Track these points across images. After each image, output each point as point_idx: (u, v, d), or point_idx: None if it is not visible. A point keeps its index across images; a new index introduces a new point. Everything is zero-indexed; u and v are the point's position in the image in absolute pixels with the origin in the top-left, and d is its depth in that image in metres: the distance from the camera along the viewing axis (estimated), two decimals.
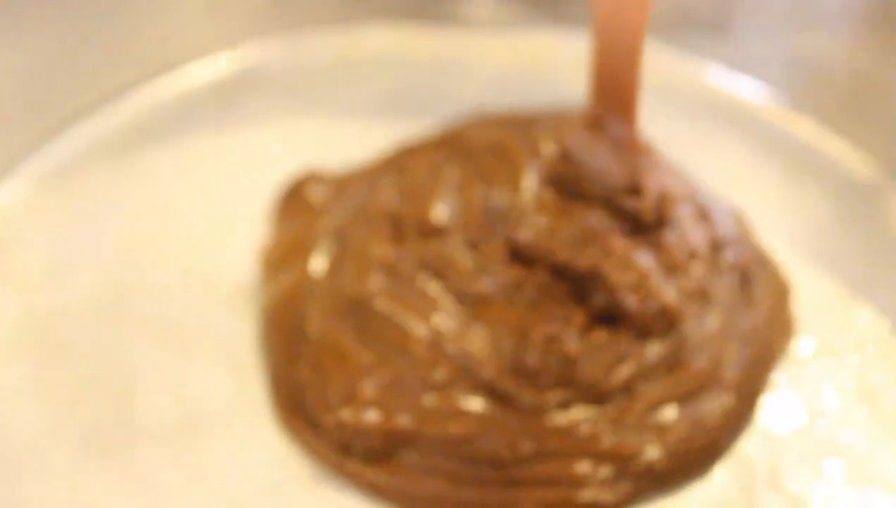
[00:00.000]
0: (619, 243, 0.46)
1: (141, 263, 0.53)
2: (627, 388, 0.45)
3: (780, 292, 0.52)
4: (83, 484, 0.44)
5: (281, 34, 0.66)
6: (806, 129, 0.61)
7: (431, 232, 0.49)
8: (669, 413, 0.45)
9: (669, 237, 0.48)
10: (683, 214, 0.50)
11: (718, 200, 0.55)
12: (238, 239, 0.53)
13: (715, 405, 0.45)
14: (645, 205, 0.47)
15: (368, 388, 0.45)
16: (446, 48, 0.66)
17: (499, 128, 0.56)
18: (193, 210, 0.55)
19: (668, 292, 0.46)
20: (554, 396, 0.44)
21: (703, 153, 0.57)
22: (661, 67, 0.64)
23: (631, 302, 0.45)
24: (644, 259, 0.47)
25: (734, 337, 0.48)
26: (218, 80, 0.64)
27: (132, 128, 0.60)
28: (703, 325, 0.47)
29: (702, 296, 0.48)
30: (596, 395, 0.45)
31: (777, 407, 0.47)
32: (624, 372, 0.45)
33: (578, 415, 0.44)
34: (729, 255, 0.51)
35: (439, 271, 0.47)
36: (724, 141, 0.60)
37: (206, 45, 0.64)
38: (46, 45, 0.58)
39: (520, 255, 0.47)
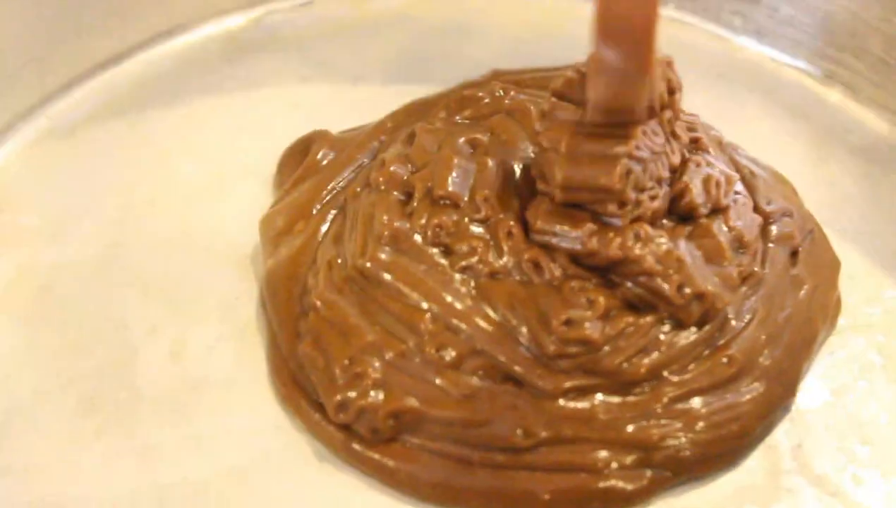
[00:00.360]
0: (651, 229, 0.44)
1: (141, 222, 0.52)
2: (655, 376, 0.43)
3: (829, 268, 0.50)
4: (79, 447, 0.43)
5: None
6: (836, 96, 0.60)
7: (443, 202, 0.46)
8: (699, 401, 0.43)
9: (714, 223, 0.46)
10: (733, 197, 0.47)
11: (764, 167, 0.53)
12: (241, 200, 0.52)
13: (749, 393, 0.44)
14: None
15: (374, 367, 0.43)
16: (459, 10, 0.65)
17: (514, 88, 0.54)
18: (197, 170, 0.54)
19: (708, 279, 0.44)
20: (573, 382, 0.43)
21: (732, 119, 0.55)
22: (690, 34, 0.63)
23: (667, 289, 0.43)
24: (682, 245, 0.44)
25: (775, 322, 0.46)
26: (226, 41, 0.63)
27: (136, 88, 0.59)
28: (743, 312, 0.45)
29: (745, 281, 0.46)
30: (621, 384, 0.43)
31: (805, 388, 0.46)
32: (651, 359, 0.43)
33: (599, 402, 0.42)
34: (778, 229, 0.49)
35: (450, 245, 0.45)
36: (754, 107, 0.59)
37: (215, 5, 0.63)
38: (51, 2, 0.57)
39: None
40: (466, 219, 0.45)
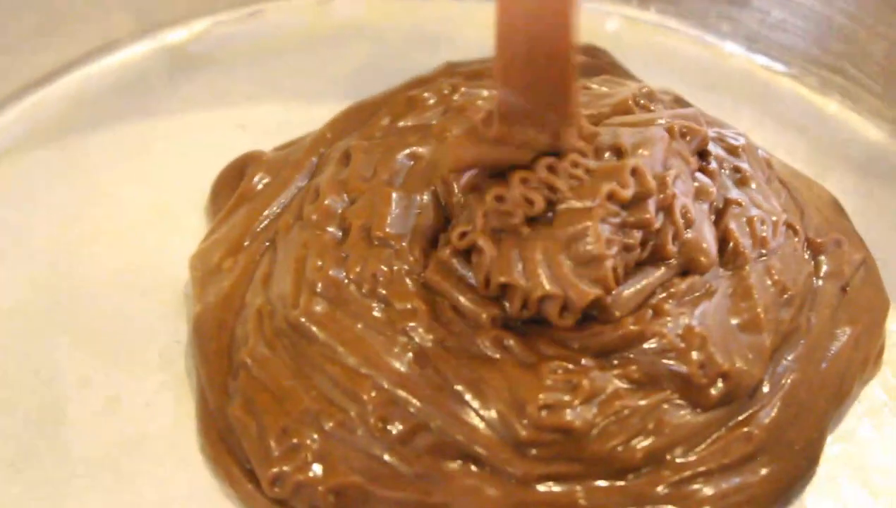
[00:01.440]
0: (669, 302, 0.41)
1: (74, 259, 0.49)
2: (655, 460, 0.39)
3: (877, 310, 0.47)
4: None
5: (237, 8, 0.62)
6: (834, 106, 0.58)
7: (380, 243, 0.43)
8: (707, 485, 0.39)
9: (753, 275, 0.43)
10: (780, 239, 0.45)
11: (804, 179, 0.51)
12: (183, 232, 0.49)
13: (766, 470, 0.40)
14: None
15: (312, 438, 0.39)
16: (422, 18, 0.62)
17: (465, 84, 0.51)
18: (133, 200, 0.51)
19: (736, 354, 0.41)
20: (550, 469, 0.39)
21: None
22: (674, 40, 0.61)
23: (686, 369, 0.40)
24: (709, 311, 0.41)
25: (809, 387, 0.43)
26: (167, 57, 0.60)
27: (68, 110, 0.56)
28: (775, 379, 0.42)
29: (785, 339, 0.43)
30: (613, 470, 0.39)
31: None
32: (651, 443, 0.39)
33: (582, 489, 0.39)
34: (828, 265, 0.47)
35: (390, 299, 0.42)
36: (746, 120, 0.56)
37: (153, 20, 0.60)
38: None
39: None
40: (406, 269, 0.42)
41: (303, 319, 0.41)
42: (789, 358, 0.43)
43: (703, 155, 0.47)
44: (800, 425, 0.41)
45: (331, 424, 0.39)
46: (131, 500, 0.40)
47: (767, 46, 0.61)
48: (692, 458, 0.39)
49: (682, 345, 0.39)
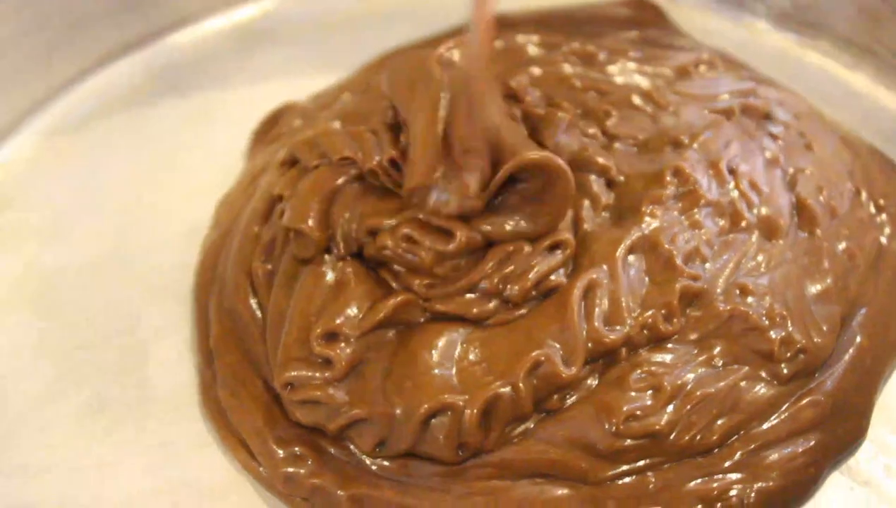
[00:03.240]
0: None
1: (146, 220, 0.51)
2: (731, 435, 0.41)
3: None
4: (88, 447, 0.43)
5: None
6: (862, 80, 0.59)
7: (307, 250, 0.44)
8: (775, 452, 0.41)
9: (826, 242, 0.45)
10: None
11: (869, 149, 0.52)
12: None
13: (830, 434, 0.41)
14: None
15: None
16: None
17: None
18: (197, 165, 0.53)
19: (812, 328, 0.42)
20: (627, 466, 0.40)
21: None
22: (710, 20, 0.62)
23: (766, 346, 0.41)
24: (781, 280, 0.43)
25: (875, 353, 0.44)
26: (232, 34, 0.62)
27: (142, 83, 0.59)
28: (841, 347, 0.43)
29: (853, 305, 0.44)
30: (689, 454, 0.40)
31: None
32: (727, 422, 0.41)
33: (653, 474, 0.40)
34: (889, 226, 0.48)
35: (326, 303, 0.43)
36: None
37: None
38: (54, 2, 0.57)
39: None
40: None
41: (240, 309, 0.45)
42: (855, 324, 0.44)
43: (768, 119, 0.49)
44: (862, 390, 0.42)
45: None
46: (208, 432, 0.43)
47: (798, 25, 0.61)
48: (764, 428, 0.41)
49: (766, 323, 0.41)
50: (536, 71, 0.52)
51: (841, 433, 0.41)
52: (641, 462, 0.40)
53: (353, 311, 0.41)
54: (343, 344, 0.41)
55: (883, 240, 0.47)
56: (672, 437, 0.40)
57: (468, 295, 0.42)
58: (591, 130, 0.48)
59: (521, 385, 0.39)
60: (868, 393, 0.43)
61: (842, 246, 0.46)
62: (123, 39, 0.60)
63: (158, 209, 0.52)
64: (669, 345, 0.42)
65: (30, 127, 0.56)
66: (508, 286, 0.41)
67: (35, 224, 0.51)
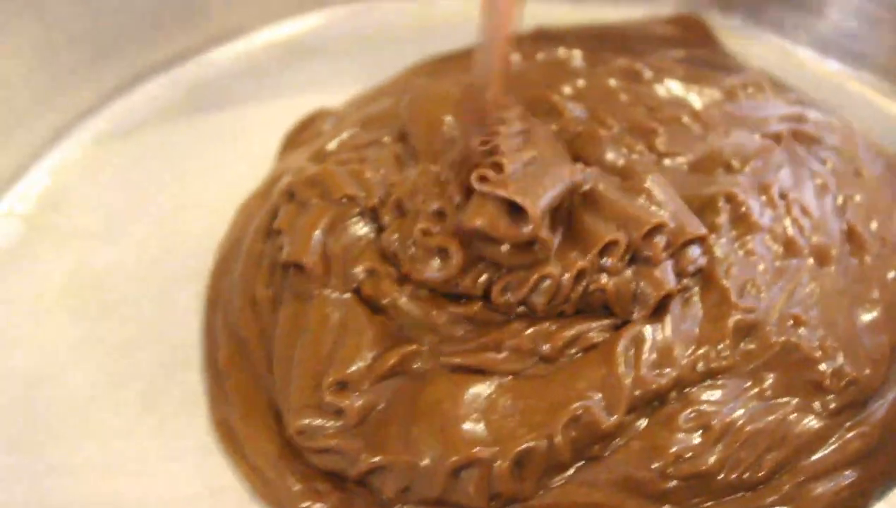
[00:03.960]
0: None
1: (192, 224, 0.52)
2: (779, 470, 0.40)
3: None
4: (141, 445, 0.43)
5: (348, 1, 0.64)
6: None
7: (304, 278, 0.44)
8: (821, 484, 0.40)
9: (873, 271, 0.45)
10: None
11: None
12: None
13: (877, 466, 0.41)
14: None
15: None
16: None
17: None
18: (248, 173, 0.54)
19: (864, 360, 0.42)
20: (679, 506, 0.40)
21: None
22: (751, 47, 0.62)
23: (818, 378, 0.41)
24: (834, 309, 0.43)
25: None
26: (279, 48, 0.63)
27: (192, 91, 0.60)
28: (890, 380, 0.43)
29: None
30: (737, 489, 0.40)
31: None
32: (775, 457, 0.40)
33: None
34: None
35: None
36: None
37: (268, 13, 0.63)
38: (113, 5, 0.58)
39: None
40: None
41: (245, 332, 0.45)
42: None
43: (818, 144, 0.49)
44: None
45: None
46: None
47: (840, 53, 0.61)
48: (812, 460, 0.40)
49: (818, 355, 0.41)
50: (580, 83, 0.52)
51: (888, 463, 0.41)
52: (688, 501, 0.39)
53: (362, 359, 0.41)
54: (355, 394, 0.40)
55: None
56: (720, 476, 0.39)
57: (492, 354, 0.41)
58: (639, 147, 0.47)
59: (558, 437, 0.38)
60: None
61: (892, 274, 0.45)
62: (172, 51, 0.61)
63: (202, 214, 0.52)
64: (720, 381, 0.41)
65: (79, 133, 0.57)
66: (542, 345, 0.40)
67: (83, 227, 0.52)
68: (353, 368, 0.40)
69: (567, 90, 0.51)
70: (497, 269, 0.41)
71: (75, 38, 0.56)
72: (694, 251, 0.42)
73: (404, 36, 0.62)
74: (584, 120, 0.48)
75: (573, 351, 0.41)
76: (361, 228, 0.44)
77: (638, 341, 0.40)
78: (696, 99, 0.52)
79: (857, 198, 0.48)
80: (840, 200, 0.48)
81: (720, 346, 0.41)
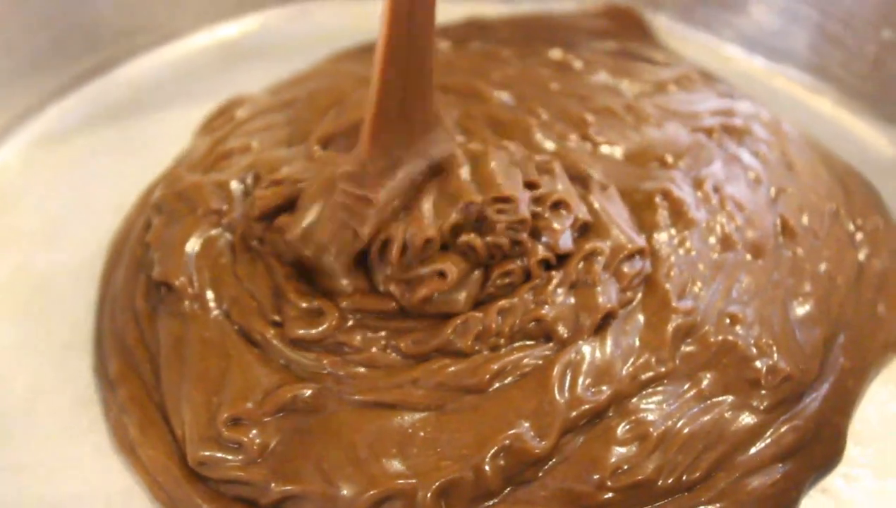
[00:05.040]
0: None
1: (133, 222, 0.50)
2: (716, 468, 0.40)
3: None
4: (74, 445, 0.43)
5: (284, 3, 0.65)
6: (826, 104, 0.59)
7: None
8: (754, 479, 0.40)
9: (806, 264, 0.45)
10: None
11: (845, 168, 0.51)
12: None
13: (811, 457, 0.41)
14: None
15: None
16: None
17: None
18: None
19: (796, 356, 0.42)
20: None
21: None
22: (681, 44, 0.63)
23: (755, 373, 0.41)
24: (768, 304, 0.43)
25: (856, 375, 0.44)
26: (217, 50, 0.63)
27: (131, 94, 0.60)
28: (823, 372, 0.43)
29: (833, 329, 0.45)
30: (675, 491, 0.40)
31: None
32: (713, 455, 0.40)
33: None
34: (867, 247, 0.48)
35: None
36: None
37: (207, 15, 0.63)
38: (51, 9, 0.58)
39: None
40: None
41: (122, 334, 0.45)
42: (837, 346, 0.44)
43: (749, 137, 0.49)
44: (843, 410, 0.42)
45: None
46: None
47: (765, 49, 0.62)
48: (748, 455, 0.40)
49: (754, 352, 0.41)
50: (510, 72, 0.52)
51: (820, 454, 0.41)
52: None
53: (252, 397, 0.40)
54: (252, 431, 0.39)
55: (861, 258, 0.47)
56: (659, 482, 0.39)
57: (410, 389, 0.40)
58: (572, 136, 0.47)
59: (486, 467, 0.38)
60: (846, 414, 0.42)
61: (823, 267, 0.46)
62: (109, 54, 0.61)
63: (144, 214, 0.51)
64: (659, 388, 0.41)
65: (19, 135, 0.57)
66: (469, 379, 0.40)
67: (24, 229, 0.52)
68: (246, 406, 0.40)
69: (496, 77, 0.51)
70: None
71: (13, 41, 0.56)
72: (636, 264, 0.43)
73: (340, 37, 0.62)
74: (512, 107, 0.48)
75: (507, 380, 0.40)
76: (228, 250, 0.44)
77: (576, 363, 0.40)
78: (628, 90, 0.53)
79: (789, 190, 0.48)
80: (773, 193, 0.48)
81: (660, 353, 0.41)
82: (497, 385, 0.40)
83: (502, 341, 0.41)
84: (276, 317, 0.42)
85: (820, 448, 0.41)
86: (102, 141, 0.56)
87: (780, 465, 0.40)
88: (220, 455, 0.39)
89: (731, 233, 0.45)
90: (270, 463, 0.39)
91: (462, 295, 0.41)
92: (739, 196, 0.47)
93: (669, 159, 0.48)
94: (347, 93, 0.51)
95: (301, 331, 0.41)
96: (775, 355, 0.42)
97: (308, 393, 0.40)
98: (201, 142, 0.52)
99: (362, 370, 0.41)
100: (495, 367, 0.40)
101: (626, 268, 0.42)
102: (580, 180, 0.46)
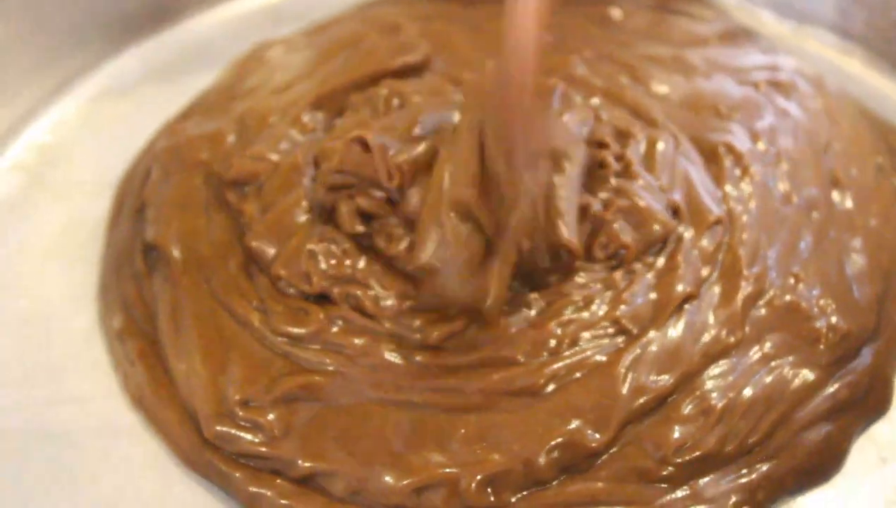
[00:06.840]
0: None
1: None
2: (776, 427, 0.40)
3: None
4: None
5: None
6: (856, 66, 0.59)
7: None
8: (812, 432, 0.40)
9: (857, 219, 0.45)
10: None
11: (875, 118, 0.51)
12: None
13: (864, 410, 0.42)
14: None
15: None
16: None
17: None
18: None
19: (854, 316, 0.42)
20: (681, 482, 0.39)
21: None
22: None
23: (817, 336, 0.41)
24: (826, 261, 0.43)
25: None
26: (263, 13, 0.64)
27: (187, 51, 0.61)
28: (876, 326, 0.43)
29: (885, 283, 0.45)
30: (735, 456, 0.39)
31: None
32: (774, 415, 0.40)
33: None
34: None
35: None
36: None
37: None
38: None
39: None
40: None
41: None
42: (889, 300, 0.43)
43: (795, 92, 0.48)
44: (892, 362, 0.42)
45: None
46: None
47: (795, 12, 0.61)
48: (804, 412, 0.40)
49: (816, 312, 0.41)
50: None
51: (871, 405, 0.41)
52: (688, 480, 0.38)
53: (259, 380, 0.39)
54: (271, 414, 0.39)
55: None
56: (721, 451, 0.38)
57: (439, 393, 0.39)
58: (622, 78, 0.46)
59: (539, 460, 0.37)
60: (894, 365, 0.42)
61: (873, 222, 0.45)
62: (164, 16, 0.63)
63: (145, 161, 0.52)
64: (726, 359, 0.40)
65: (76, 91, 0.58)
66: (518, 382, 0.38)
67: (81, 180, 0.53)
68: (255, 389, 0.39)
69: None
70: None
71: (70, 4, 0.58)
72: (716, 234, 0.42)
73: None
74: (555, 46, 0.45)
75: (566, 380, 0.39)
76: (224, 219, 0.43)
77: (645, 354, 0.39)
78: (671, 43, 0.52)
79: (836, 144, 0.48)
80: (822, 147, 0.47)
81: (731, 324, 0.40)
82: (553, 386, 0.39)
83: (565, 344, 0.39)
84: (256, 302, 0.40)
85: (871, 399, 0.41)
86: (155, 97, 0.57)
87: (834, 418, 0.40)
88: (235, 432, 0.38)
89: (789, 188, 0.44)
90: (295, 441, 0.38)
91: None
92: (793, 150, 0.46)
93: (724, 110, 0.47)
94: (363, 37, 0.51)
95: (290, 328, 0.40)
96: (835, 313, 0.41)
97: (316, 383, 0.39)
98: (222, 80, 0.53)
99: (373, 369, 0.40)
100: (553, 369, 0.39)
101: (705, 242, 0.42)
102: (648, 120, 0.45)
